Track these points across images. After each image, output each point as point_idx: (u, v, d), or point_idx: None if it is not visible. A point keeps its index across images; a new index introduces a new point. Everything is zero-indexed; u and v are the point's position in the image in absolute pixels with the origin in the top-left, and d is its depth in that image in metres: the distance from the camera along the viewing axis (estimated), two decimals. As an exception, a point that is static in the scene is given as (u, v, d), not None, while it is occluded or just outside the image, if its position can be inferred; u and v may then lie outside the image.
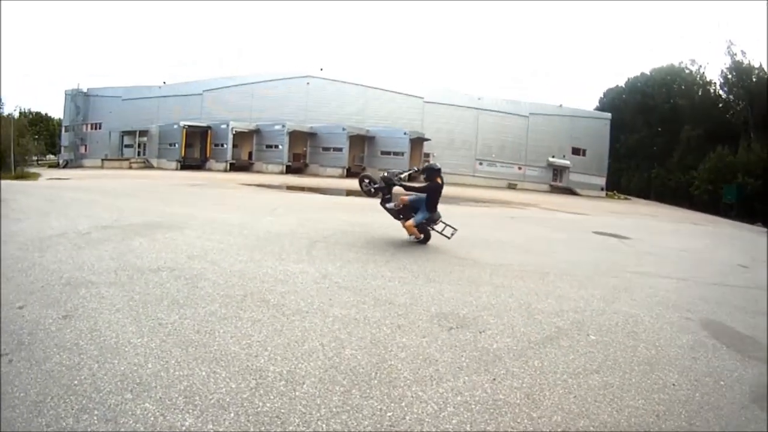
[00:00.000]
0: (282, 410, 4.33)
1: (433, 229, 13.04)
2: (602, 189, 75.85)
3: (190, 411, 4.23)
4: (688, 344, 7.01)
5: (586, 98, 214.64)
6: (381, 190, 13.44)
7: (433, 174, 12.56)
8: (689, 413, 4.94)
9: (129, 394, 4.42)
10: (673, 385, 5.55)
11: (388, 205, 13.38)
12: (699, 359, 6.47)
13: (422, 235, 12.93)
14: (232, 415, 4.23)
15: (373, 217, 17.51)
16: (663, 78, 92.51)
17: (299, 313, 6.82)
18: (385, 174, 13.35)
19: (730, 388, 5.69)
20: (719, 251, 19.40)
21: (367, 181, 14.17)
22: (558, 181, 75.64)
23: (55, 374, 4.73)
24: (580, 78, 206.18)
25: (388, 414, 4.43)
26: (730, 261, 16.27)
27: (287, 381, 4.83)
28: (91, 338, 5.56)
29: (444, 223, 12.95)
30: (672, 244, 19.61)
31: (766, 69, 71.75)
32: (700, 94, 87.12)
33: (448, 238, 12.85)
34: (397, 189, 13.27)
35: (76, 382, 4.59)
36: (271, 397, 4.51)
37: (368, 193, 14.24)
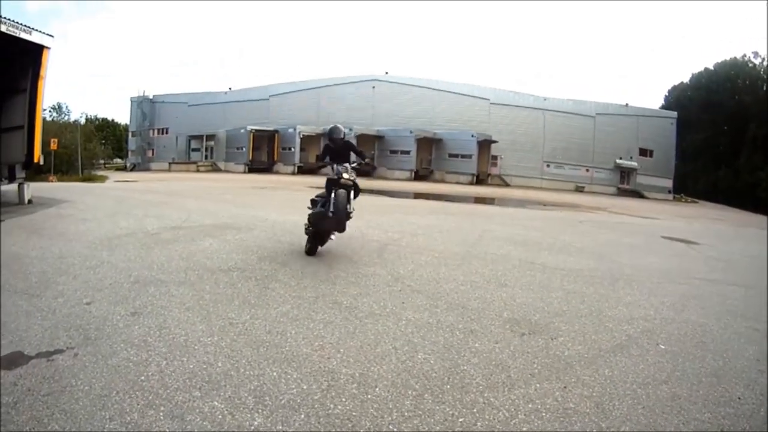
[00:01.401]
0: (353, 413, 4.30)
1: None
2: (669, 192, 74.47)
3: (260, 411, 4.21)
4: (755, 356, 6.80)
5: (652, 96, 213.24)
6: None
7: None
8: (753, 429, 4.81)
9: (197, 392, 4.43)
10: (739, 398, 5.38)
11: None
12: (765, 372, 6.24)
13: None
14: (302, 416, 4.20)
15: (443, 220, 17.66)
16: (727, 72, 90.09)
17: (372, 316, 6.83)
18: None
19: (793, 404, 5.54)
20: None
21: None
22: (625, 184, 74.62)
23: (121, 369, 4.78)
24: (643, 75, 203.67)
25: (460, 420, 4.37)
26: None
27: (359, 384, 4.81)
28: (159, 335, 5.62)
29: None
30: (740, 249, 19.25)
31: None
32: (764, 89, 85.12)
33: None
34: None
35: (143, 378, 4.62)
36: (343, 400, 4.49)
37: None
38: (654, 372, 5.82)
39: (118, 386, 4.45)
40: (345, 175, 10.25)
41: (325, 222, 10.08)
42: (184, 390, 4.45)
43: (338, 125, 11.09)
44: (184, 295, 7.14)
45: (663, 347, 6.72)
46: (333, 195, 9.98)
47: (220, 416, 4.11)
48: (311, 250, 10.52)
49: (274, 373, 4.87)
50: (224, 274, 8.42)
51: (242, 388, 4.54)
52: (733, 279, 12.12)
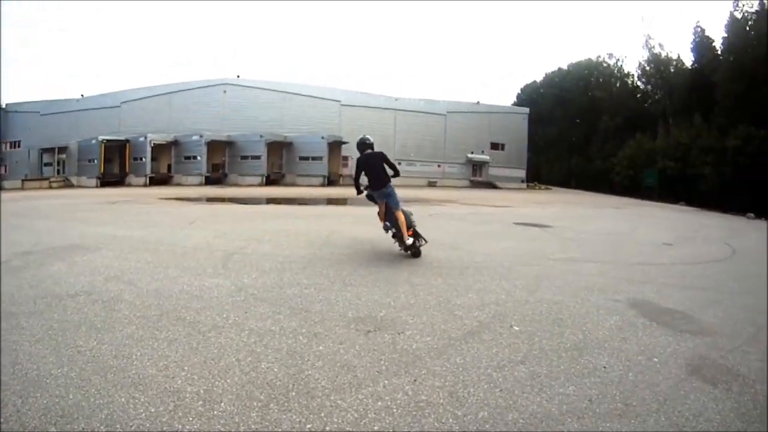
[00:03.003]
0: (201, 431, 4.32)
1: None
2: (522, 181, 79.16)
3: (112, 440, 4.15)
4: (617, 325, 7.23)
5: (507, 95, 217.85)
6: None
7: (361, 147, 12.17)
8: (624, 394, 5.05)
9: (53, 428, 4.35)
10: (604, 367, 5.68)
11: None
12: (629, 339, 6.67)
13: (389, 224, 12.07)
14: (151, 440, 4.17)
15: (291, 224, 17.85)
16: (580, 72, 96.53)
17: (215, 329, 6.79)
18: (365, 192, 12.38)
19: (664, 363, 5.89)
20: (642, 232, 20.06)
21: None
22: (478, 176, 78.08)
23: (-20, 415, 4.65)
24: (499, 76, 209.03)
25: (308, 426, 4.42)
26: (654, 240, 16.81)
27: (204, 401, 4.80)
28: (13, 373, 5.44)
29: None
30: (595, 228, 20.24)
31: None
32: (617, 86, 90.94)
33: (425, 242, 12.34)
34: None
35: (2, 420, 4.48)
36: (190, 419, 4.47)
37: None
38: (509, 354, 6.06)
39: (-20, 434, 4.36)
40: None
41: None
42: (40, 428, 4.37)
43: (364, 137, 12.46)
44: (34, 327, 6.93)
45: (517, 328, 7.01)
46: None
47: (75, 451, 4.06)
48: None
49: (123, 399, 4.83)
50: (71, 299, 8.18)
51: (94, 419, 4.49)
52: (588, 256, 12.96)
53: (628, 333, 6.91)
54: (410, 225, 11.85)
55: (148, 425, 4.40)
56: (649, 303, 8.58)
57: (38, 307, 7.84)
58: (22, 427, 4.39)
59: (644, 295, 9.06)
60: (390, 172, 11.99)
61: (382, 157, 11.97)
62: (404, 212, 11.89)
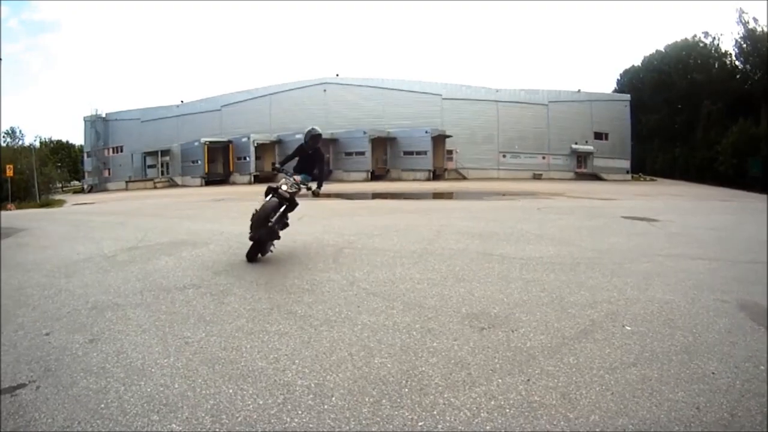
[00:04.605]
0: (310, 425, 4.21)
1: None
2: (627, 172, 76.15)
3: (217, 430, 4.14)
4: (726, 328, 6.77)
5: (605, 81, 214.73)
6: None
7: (315, 140, 11.88)
8: (731, 403, 4.71)
9: (155, 416, 4.35)
10: (713, 373, 5.31)
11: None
12: (738, 344, 6.22)
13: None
14: (259, 432, 4.11)
15: (399, 218, 17.68)
16: (678, 53, 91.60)
17: (327, 323, 6.71)
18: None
19: (771, 372, 5.47)
20: (749, 227, 19.07)
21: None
22: (583, 168, 75.94)
23: (81, 399, 4.69)
24: (595, 61, 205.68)
25: (420, 423, 4.29)
26: (760, 236, 16.02)
27: (315, 394, 4.71)
28: (117, 361, 5.51)
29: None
30: (701, 223, 19.38)
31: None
32: (716, 66, 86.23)
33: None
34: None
35: (102, 405, 4.54)
36: (299, 413, 4.40)
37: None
38: (621, 355, 5.76)
39: (79, 416, 4.38)
40: (284, 187, 10.92)
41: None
42: (142, 415, 4.36)
43: (317, 128, 11.91)
44: (140, 318, 7.02)
45: (629, 329, 6.66)
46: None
47: (178, 439, 4.02)
48: (250, 255, 10.67)
49: (230, 390, 4.78)
50: (180, 292, 8.29)
51: (199, 409, 4.46)
52: (697, 253, 12.19)
53: (737, 337, 6.47)
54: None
55: (255, 417, 4.34)
56: (758, 305, 7.98)
57: (145, 299, 7.98)
58: (124, 413, 4.40)
59: (753, 297, 8.47)
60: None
61: None
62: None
